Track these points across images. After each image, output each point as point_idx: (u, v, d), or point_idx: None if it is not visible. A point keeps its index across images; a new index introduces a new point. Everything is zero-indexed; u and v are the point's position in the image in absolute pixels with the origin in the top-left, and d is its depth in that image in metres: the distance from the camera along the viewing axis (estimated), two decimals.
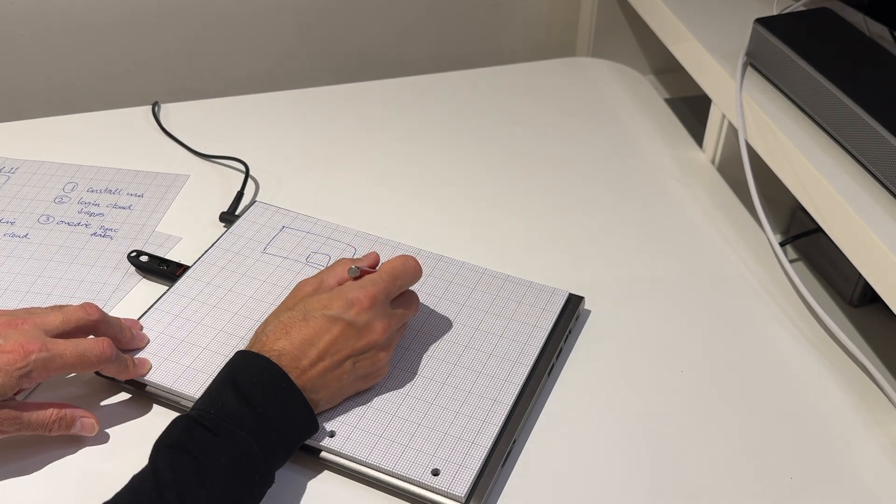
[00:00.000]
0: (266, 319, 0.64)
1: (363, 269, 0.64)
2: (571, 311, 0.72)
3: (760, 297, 0.76)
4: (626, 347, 0.72)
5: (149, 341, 0.68)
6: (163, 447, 0.54)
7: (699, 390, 0.68)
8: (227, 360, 0.60)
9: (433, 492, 0.59)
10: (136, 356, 0.67)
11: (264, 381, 0.58)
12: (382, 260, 0.67)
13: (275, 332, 0.61)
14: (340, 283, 0.64)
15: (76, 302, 0.65)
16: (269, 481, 0.56)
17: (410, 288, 0.67)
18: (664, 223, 0.85)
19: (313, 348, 0.60)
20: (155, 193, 0.87)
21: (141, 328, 0.69)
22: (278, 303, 0.72)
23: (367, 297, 0.62)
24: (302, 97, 1.03)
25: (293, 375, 0.59)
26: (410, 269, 0.65)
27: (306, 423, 0.59)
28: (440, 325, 0.71)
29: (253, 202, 0.85)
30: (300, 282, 0.66)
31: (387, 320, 0.63)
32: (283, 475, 0.61)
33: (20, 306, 0.73)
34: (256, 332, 0.63)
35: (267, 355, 0.59)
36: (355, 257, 0.72)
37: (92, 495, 0.57)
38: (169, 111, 1.00)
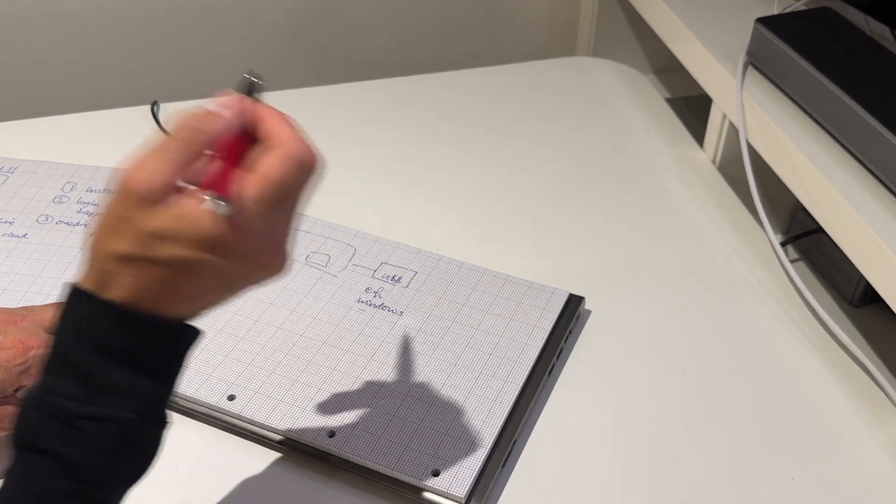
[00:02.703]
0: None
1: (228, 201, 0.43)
2: (572, 312, 0.72)
3: (761, 297, 0.76)
4: (626, 347, 0.72)
5: None
6: (22, 449, 0.45)
7: (699, 390, 0.68)
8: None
9: (433, 493, 0.59)
10: None
11: (110, 332, 0.45)
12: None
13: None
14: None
15: None
16: (161, 432, 0.47)
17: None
18: (665, 223, 0.85)
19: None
20: None
21: None
22: (277, 302, 0.72)
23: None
24: (302, 97, 1.03)
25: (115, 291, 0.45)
26: (299, 167, 0.44)
27: (181, 347, 0.48)
28: (440, 325, 0.71)
29: None
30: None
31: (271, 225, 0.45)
32: (283, 475, 0.61)
33: (19, 306, 0.73)
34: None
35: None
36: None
37: None
38: (168, 111, 1.00)
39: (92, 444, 0.45)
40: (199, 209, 0.43)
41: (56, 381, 0.45)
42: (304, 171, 0.45)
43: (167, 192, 0.43)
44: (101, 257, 0.44)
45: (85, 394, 0.44)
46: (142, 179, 0.42)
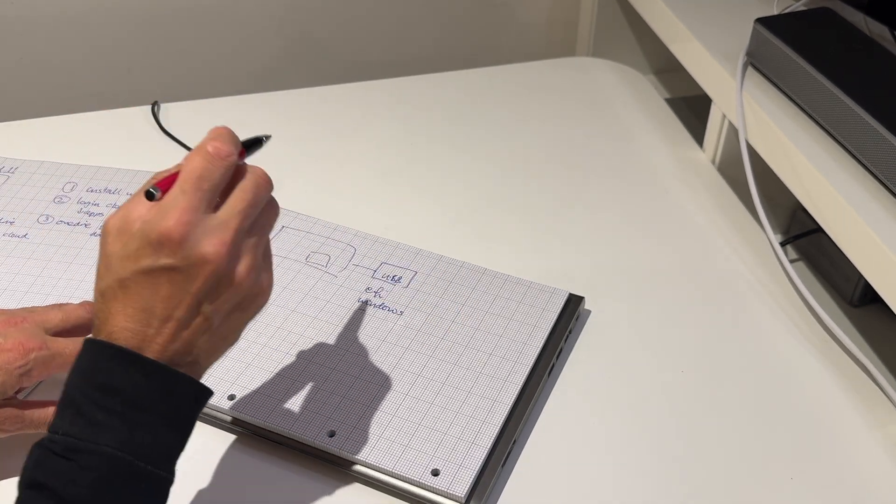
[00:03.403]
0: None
1: (163, 186, 0.49)
2: (571, 311, 0.72)
3: (761, 297, 0.76)
4: (626, 347, 0.72)
5: None
6: (23, 488, 0.46)
7: (699, 390, 0.68)
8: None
9: (433, 492, 0.59)
10: None
11: (113, 372, 0.47)
12: None
13: (103, 313, 0.49)
14: (145, 218, 0.48)
15: (75, 302, 0.65)
16: (164, 482, 0.48)
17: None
18: (664, 223, 0.85)
19: (151, 316, 0.48)
20: None
21: None
22: (278, 302, 0.72)
23: (176, 226, 0.47)
24: (302, 97, 1.03)
25: (150, 351, 0.48)
26: (213, 159, 0.49)
27: (189, 395, 0.49)
28: (440, 325, 0.71)
29: None
30: (103, 227, 0.50)
31: (218, 235, 0.48)
32: (283, 475, 0.61)
33: (19, 306, 0.73)
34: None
35: (107, 339, 0.48)
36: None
37: None
38: (169, 111, 1.00)
39: (84, 478, 0.45)
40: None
41: (60, 421, 0.47)
42: (209, 159, 0.49)
43: None
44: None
45: (81, 429, 0.46)
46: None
